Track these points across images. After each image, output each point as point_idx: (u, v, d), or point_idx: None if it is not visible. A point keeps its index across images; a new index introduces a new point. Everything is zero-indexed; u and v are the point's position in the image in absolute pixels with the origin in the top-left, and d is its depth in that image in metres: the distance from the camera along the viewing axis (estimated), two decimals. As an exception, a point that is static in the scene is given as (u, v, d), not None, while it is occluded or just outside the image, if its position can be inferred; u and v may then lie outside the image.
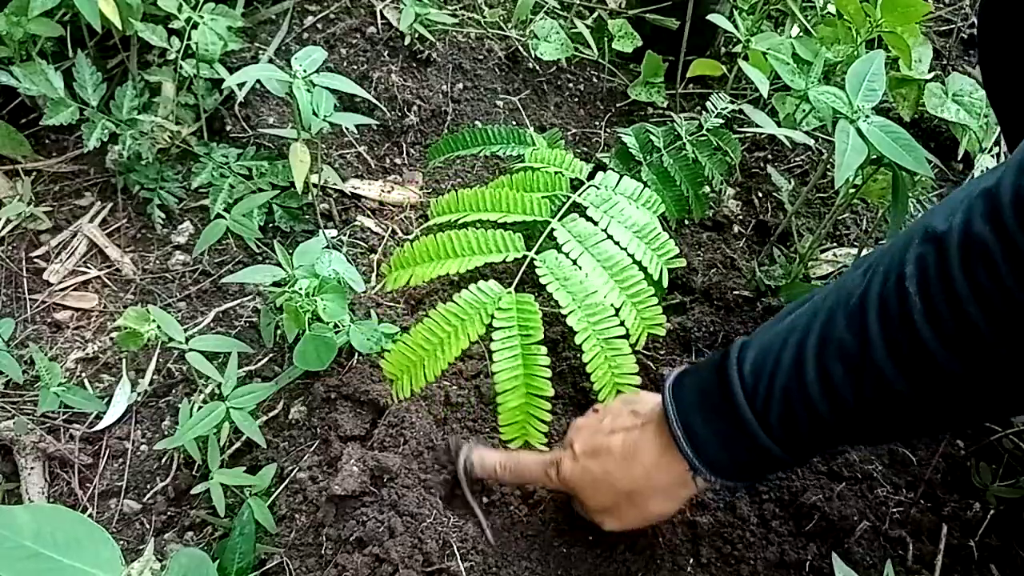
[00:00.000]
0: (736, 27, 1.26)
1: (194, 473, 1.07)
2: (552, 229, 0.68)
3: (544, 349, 0.62)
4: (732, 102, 1.18)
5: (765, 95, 1.19)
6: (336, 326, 1.04)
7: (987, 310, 0.53)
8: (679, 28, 1.42)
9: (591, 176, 0.74)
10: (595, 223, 0.68)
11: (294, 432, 1.09)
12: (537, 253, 0.65)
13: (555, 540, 0.97)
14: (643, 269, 0.65)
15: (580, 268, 0.65)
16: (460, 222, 0.68)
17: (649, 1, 1.50)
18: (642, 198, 0.70)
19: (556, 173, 0.73)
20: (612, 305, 0.64)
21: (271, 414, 1.11)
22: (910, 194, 1.04)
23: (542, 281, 0.63)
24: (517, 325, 0.63)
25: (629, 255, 0.66)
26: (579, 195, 0.70)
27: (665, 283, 0.68)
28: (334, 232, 1.29)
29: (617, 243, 0.66)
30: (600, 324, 0.63)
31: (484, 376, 1.11)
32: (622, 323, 0.64)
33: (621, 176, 0.71)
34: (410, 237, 1.30)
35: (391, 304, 1.20)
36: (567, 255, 0.66)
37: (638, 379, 0.62)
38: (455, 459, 0.90)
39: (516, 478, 0.86)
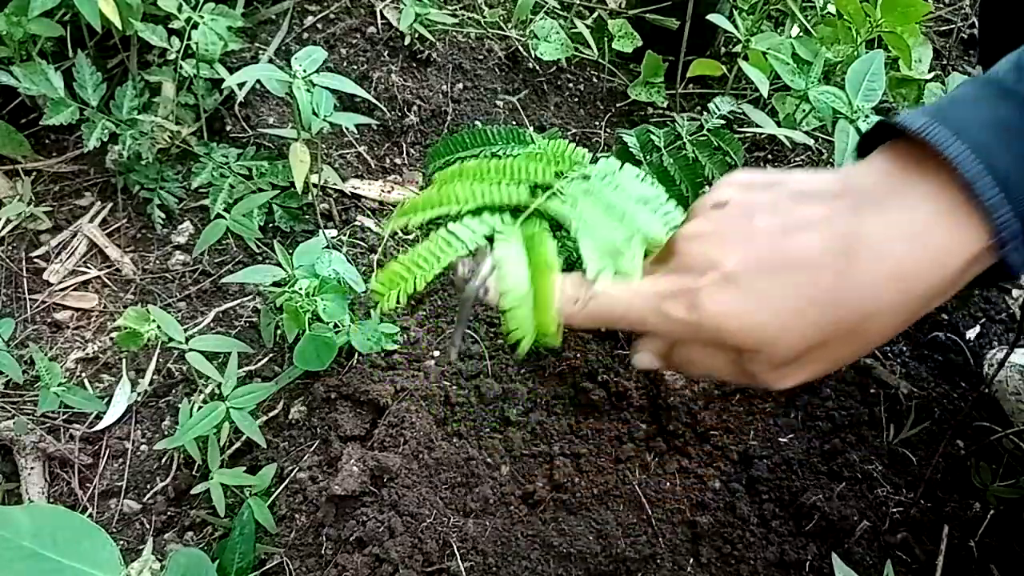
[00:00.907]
0: (736, 27, 1.26)
1: (194, 473, 1.07)
2: (556, 189, 0.67)
3: (551, 245, 0.59)
4: (732, 103, 1.18)
5: (765, 95, 1.19)
6: (336, 326, 1.05)
7: None
8: (679, 28, 1.42)
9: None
10: (601, 180, 0.67)
11: (294, 432, 1.09)
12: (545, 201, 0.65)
13: (555, 540, 0.97)
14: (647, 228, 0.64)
15: (584, 215, 0.65)
16: (465, 182, 0.68)
17: (649, 1, 1.50)
18: (646, 182, 0.70)
19: (561, 154, 0.73)
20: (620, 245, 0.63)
21: (271, 414, 1.11)
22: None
23: (552, 213, 0.62)
24: (523, 238, 0.61)
25: (634, 198, 0.65)
26: (584, 168, 0.70)
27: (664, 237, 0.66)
28: (334, 232, 1.29)
29: (624, 193, 0.66)
30: (614, 257, 0.61)
31: (484, 376, 1.11)
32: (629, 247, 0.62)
33: (624, 164, 0.71)
34: (410, 237, 1.30)
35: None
36: (571, 205, 0.65)
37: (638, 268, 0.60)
38: (476, 269, 0.58)
39: (593, 318, 0.54)
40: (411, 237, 1.30)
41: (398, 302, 0.63)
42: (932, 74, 1.43)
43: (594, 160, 0.71)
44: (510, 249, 0.59)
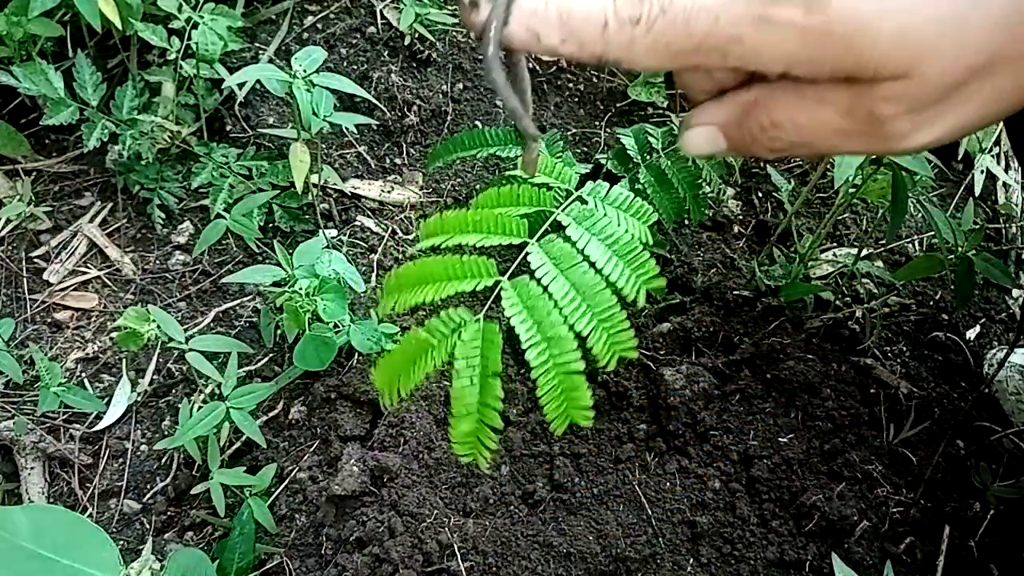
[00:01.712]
0: (736, 27, 1.26)
1: (194, 473, 1.07)
2: (527, 253, 0.68)
3: (499, 383, 0.62)
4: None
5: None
6: (336, 326, 1.05)
7: None
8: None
9: (582, 183, 0.74)
10: (573, 243, 0.68)
11: (294, 432, 1.09)
12: (510, 278, 0.66)
13: (555, 540, 0.97)
14: (617, 292, 0.65)
15: (550, 297, 0.65)
16: (444, 246, 0.68)
17: (649, 1, 1.50)
18: (632, 207, 0.70)
19: (542, 187, 0.73)
20: (580, 333, 0.64)
21: (271, 414, 1.11)
22: (910, 194, 1.04)
23: (507, 313, 0.63)
24: (480, 356, 0.63)
25: (604, 277, 0.66)
26: (561, 210, 0.70)
27: (642, 302, 0.68)
28: (334, 232, 1.29)
29: (593, 264, 0.66)
30: (562, 357, 0.63)
31: (484, 376, 1.11)
32: (590, 350, 0.64)
33: (612, 185, 0.71)
34: (410, 237, 1.30)
35: (391, 304, 1.20)
36: (539, 281, 0.66)
37: (591, 413, 0.61)
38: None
39: (663, 44, 0.37)
40: (410, 237, 1.30)
41: (399, 397, 0.63)
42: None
43: (592, 163, 0.71)
44: (467, 373, 0.60)
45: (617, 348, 0.63)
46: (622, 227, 0.69)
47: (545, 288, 0.65)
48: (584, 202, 0.71)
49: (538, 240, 0.69)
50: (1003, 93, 0.39)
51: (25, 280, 1.23)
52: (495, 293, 0.65)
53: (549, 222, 0.69)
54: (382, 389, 0.62)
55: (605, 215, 0.70)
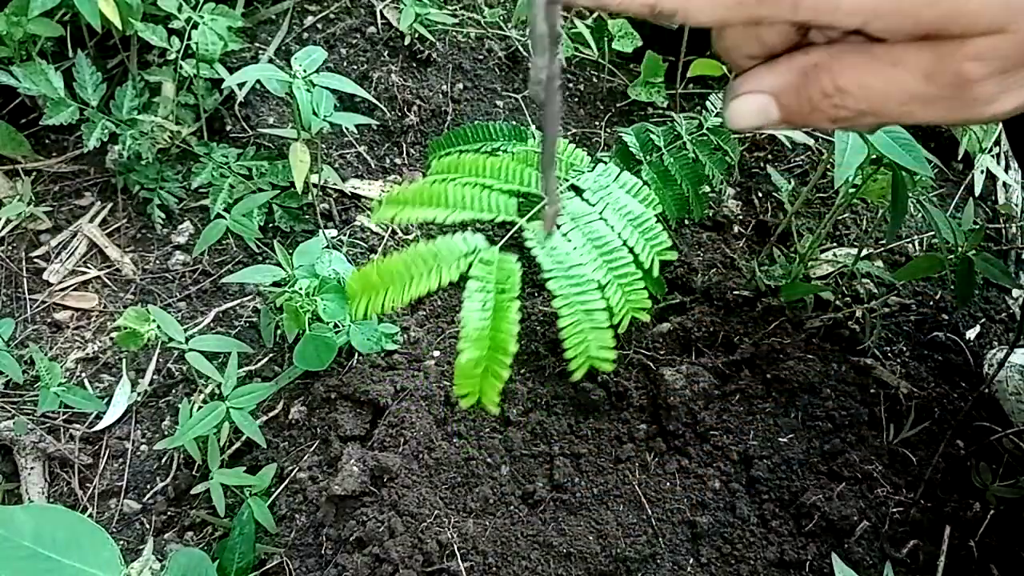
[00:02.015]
0: (736, 27, 1.25)
1: (194, 473, 1.07)
2: (546, 203, 0.67)
3: (516, 307, 0.60)
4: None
5: (765, 95, 1.19)
6: (336, 326, 1.05)
7: None
8: (679, 28, 1.42)
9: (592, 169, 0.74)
10: (591, 205, 0.67)
11: (294, 432, 1.09)
12: (528, 222, 0.65)
13: (555, 540, 0.97)
14: (634, 255, 0.65)
15: (569, 241, 0.65)
16: (458, 181, 0.67)
17: (649, 1, 1.49)
18: (640, 194, 0.70)
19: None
20: (597, 281, 0.63)
21: (271, 414, 1.11)
22: (910, 194, 1.04)
23: (528, 245, 0.62)
24: (495, 280, 0.61)
25: (621, 239, 0.66)
26: (578, 178, 0.70)
27: (656, 271, 0.68)
28: (334, 232, 1.29)
29: (610, 226, 0.66)
30: (582, 296, 0.61)
31: (484, 376, 1.11)
32: (606, 300, 0.62)
33: (621, 170, 0.71)
34: (410, 237, 1.30)
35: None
36: (557, 227, 0.65)
37: (613, 354, 0.60)
38: None
39: None
40: (410, 237, 1.30)
41: (366, 315, 0.61)
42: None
43: (593, 161, 0.71)
44: (479, 296, 0.58)
45: (631, 305, 0.63)
46: (635, 201, 0.69)
47: (564, 235, 0.64)
48: (598, 176, 0.71)
49: None
50: None
51: (25, 280, 1.23)
52: (513, 230, 0.64)
53: (567, 185, 0.69)
54: (356, 294, 0.60)
55: (620, 188, 0.69)
